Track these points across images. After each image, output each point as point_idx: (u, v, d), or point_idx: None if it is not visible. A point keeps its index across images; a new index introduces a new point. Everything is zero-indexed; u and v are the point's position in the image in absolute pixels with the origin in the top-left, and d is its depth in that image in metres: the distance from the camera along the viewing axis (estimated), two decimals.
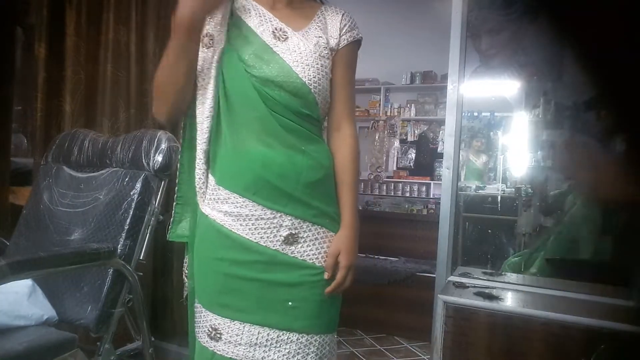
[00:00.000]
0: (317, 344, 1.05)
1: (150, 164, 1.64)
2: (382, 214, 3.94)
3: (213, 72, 1.04)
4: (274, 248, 1.03)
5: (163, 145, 1.65)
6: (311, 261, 1.05)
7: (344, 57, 1.13)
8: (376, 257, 3.55)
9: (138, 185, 1.63)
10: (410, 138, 4.89)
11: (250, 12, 1.08)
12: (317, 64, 1.06)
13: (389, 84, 5.06)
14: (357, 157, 1.13)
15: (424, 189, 4.69)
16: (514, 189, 2.64)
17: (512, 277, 1.91)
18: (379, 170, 4.78)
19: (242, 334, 1.02)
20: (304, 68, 1.04)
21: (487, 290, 1.63)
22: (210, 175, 1.07)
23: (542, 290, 1.69)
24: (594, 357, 1.30)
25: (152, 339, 1.65)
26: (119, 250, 1.53)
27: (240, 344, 1.02)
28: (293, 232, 1.04)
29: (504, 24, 1.95)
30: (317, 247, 1.06)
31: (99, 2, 2.40)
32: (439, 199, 1.96)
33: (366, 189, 4.90)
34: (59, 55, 2.41)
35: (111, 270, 1.49)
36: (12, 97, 2.40)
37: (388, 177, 4.82)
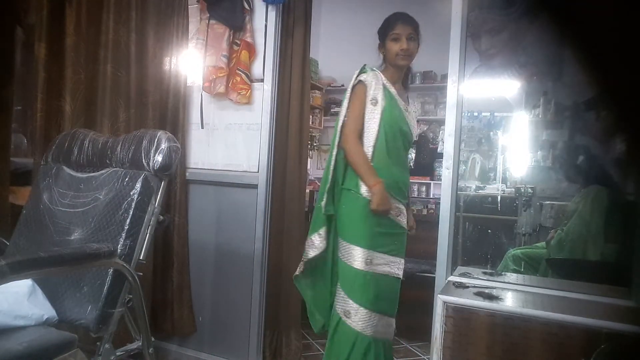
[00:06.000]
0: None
1: (150, 164, 1.64)
2: None
3: (377, 120, 1.87)
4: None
5: (163, 145, 1.65)
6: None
7: None
8: None
9: (138, 185, 1.62)
10: None
11: (389, 87, 1.92)
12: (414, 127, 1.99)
13: None
14: None
15: (424, 189, 4.69)
16: (514, 189, 2.63)
17: (511, 277, 1.90)
18: None
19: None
20: (414, 129, 1.99)
21: (487, 290, 1.63)
22: None
23: (542, 290, 1.69)
24: (593, 357, 1.30)
25: (152, 339, 1.65)
26: (119, 251, 1.53)
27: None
28: (400, 209, 1.92)
29: (504, 24, 1.95)
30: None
31: (99, 2, 2.40)
32: (439, 199, 1.96)
33: None
34: (59, 55, 2.41)
35: (111, 270, 1.49)
36: (12, 97, 2.40)
37: None
